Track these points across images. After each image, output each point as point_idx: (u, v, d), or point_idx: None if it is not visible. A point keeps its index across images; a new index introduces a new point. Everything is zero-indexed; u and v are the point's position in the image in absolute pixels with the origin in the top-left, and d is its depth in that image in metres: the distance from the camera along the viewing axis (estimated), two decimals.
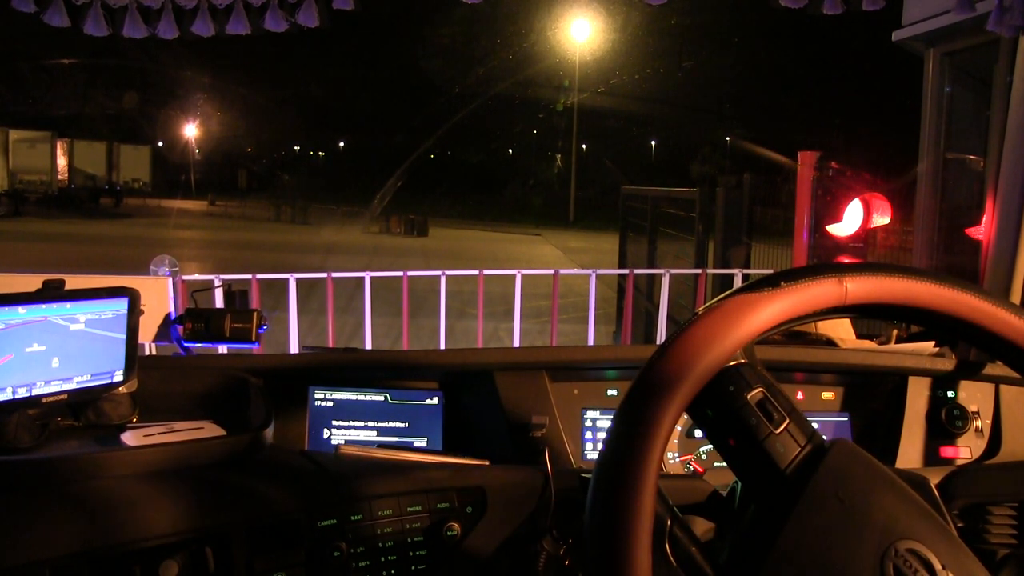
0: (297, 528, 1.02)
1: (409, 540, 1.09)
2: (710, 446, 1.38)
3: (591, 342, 4.28)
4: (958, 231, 3.82)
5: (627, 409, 0.67)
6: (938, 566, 0.64)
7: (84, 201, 26.81)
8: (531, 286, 4.49)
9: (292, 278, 3.68)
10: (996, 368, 1.41)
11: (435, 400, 1.39)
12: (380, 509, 1.08)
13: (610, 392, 1.40)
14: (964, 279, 0.74)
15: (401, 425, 1.38)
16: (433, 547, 1.11)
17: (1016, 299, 1.68)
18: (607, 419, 1.38)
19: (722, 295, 0.71)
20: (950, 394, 1.40)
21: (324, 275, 3.75)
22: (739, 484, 0.82)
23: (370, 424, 1.37)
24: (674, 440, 1.39)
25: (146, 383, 1.25)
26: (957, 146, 3.95)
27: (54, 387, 1.12)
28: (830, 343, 1.61)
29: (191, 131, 34.45)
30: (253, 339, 1.43)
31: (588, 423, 1.38)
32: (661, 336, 4.53)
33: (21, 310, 1.08)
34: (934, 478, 1.13)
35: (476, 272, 4.01)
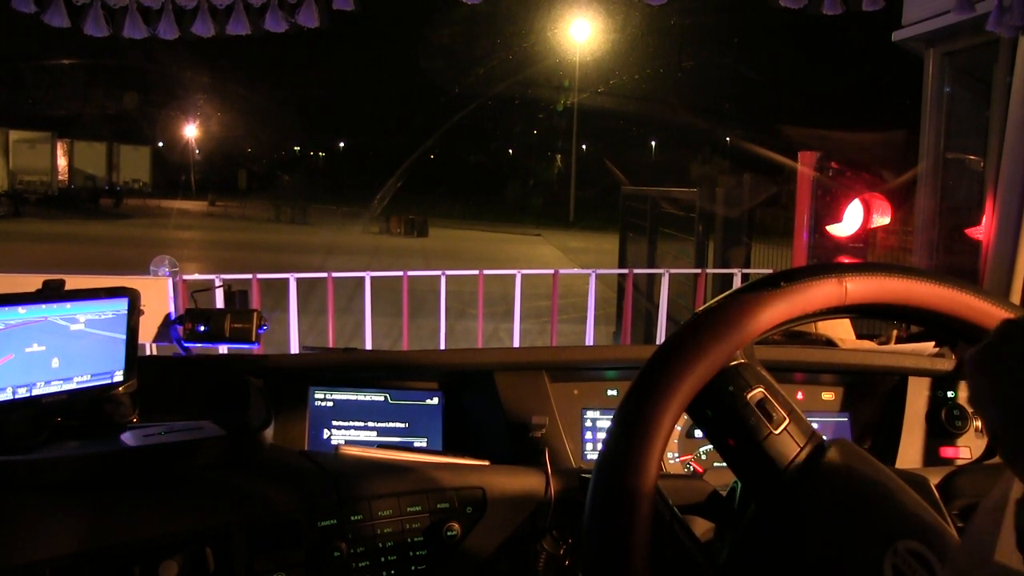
0: (297, 528, 1.02)
1: (409, 540, 1.09)
2: (710, 446, 1.38)
3: (591, 342, 4.28)
4: (958, 231, 3.82)
5: (627, 409, 0.67)
6: (938, 566, 0.64)
7: (84, 201, 26.78)
8: (531, 286, 4.49)
9: (292, 278, 3.67)
10: None
11: (435, 400, 1.39)
12: (380, 509, 1.08)
13: (610, 392, 1.40)
14: (964, 279, 0.74)
15: (401, 425, 1.38)
16: (433, 547, 1.10)
17: (1016, 299, 1.68)
18: (607, 419, 1.38)
19: (722, 295, 0.71)
20: (950, 394, 1.40)
21: (324, 275, 3.75)
22: (739, 484, 0.82)
23: (370, 424, 1.37)
24: (674, 440, 1.39)
25: (146, 383, 1.25)
26: (957, 146, 3.95)
27: (54, 387, 1.12)
28: (830, 343, 1.61)
29: (191, 131, 34.38)
30: (253, 339, 1.43)
31: (588, 423, 1.38)
32: (661, 336, 4.53)
33: (21, 310, 1.08)
34: (934, 478, 1.13)
35: (476, 272, 4.01)
